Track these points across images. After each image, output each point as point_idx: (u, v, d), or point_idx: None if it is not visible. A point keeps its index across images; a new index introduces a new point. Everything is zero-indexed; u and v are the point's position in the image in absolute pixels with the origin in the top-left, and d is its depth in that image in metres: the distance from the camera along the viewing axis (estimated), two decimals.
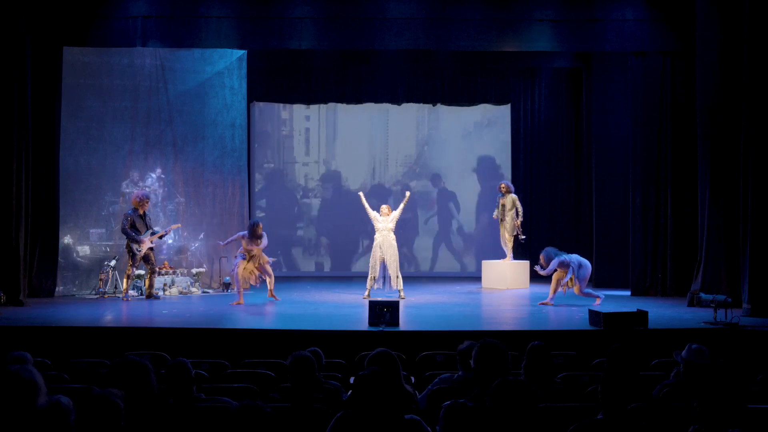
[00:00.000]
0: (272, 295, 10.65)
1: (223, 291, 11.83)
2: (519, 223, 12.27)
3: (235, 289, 10.58)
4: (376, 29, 10.89)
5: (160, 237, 10.95)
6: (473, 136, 15.53)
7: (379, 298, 9.62)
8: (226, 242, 11.01)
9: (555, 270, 9.95)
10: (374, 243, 10.94)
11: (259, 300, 10.71)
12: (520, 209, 12.32)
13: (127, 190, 11.70)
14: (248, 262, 10.44)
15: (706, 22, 10.09)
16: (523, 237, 12.29)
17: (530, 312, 9.64)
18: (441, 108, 15.35)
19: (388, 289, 10.80)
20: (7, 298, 9.69)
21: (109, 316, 9.12)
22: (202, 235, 12.31)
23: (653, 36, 11.05)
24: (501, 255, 12.72)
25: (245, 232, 10.51)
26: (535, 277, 13.52)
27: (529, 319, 9.08)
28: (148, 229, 10.73)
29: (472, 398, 3.82)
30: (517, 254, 12.95)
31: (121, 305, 10.15)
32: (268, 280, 10.63)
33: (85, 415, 3.09)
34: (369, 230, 11.31)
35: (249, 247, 10.38)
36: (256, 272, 10.52)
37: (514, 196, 12.40)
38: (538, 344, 4.63)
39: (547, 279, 13.86)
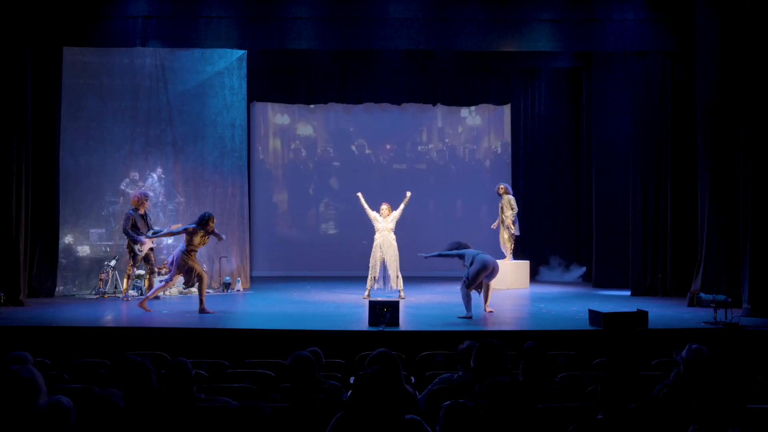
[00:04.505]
0: (204, 309, 9.25)
1: (223, 291, 11.84)
2: (510, 222, 12.27)
3: (161, 286, 9.81)
4: (376, 29, 10.89)
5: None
6: (473, 136, 15.54)
7: (379, 298, 9.63)
8: (166, 233, 10.15)
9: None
10: (374, 243, 10.95)
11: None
12: (512, 210, 12.28)
13: (128, 190, 11.70)
14: (188, 255, 9.39)
15: (706, 22, 10.10)
16: (516, 233, 12.40)
17: (530, 312, 9.63)
18: (441, 108, 15.36)
19: (388, 289, 10.81)
20: (7, 298, 9.68)
21: (109, 316, 9.12)
22: None
23: (653, 36, 11.06)
24: (500, 256, 12.71)
25: (193, 225, 9.42)
26: (535, 276, 13.60)
27: (529, 319, 9.07)
28: (149, 229, 10.73)
29: (472, 398, 3.82)
30: (517, 254, 12.96)
31: (121, 305, 10.15)
32: (199, 285, 9.45)
33: (85, 415, 3.09)
34: (369, 230, 11.29)
35: (194, 243, 9.36)
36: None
37: (510, 197, 12.40)
38: (532, 344, 4.63)
39: (549, 280, 13.96)
